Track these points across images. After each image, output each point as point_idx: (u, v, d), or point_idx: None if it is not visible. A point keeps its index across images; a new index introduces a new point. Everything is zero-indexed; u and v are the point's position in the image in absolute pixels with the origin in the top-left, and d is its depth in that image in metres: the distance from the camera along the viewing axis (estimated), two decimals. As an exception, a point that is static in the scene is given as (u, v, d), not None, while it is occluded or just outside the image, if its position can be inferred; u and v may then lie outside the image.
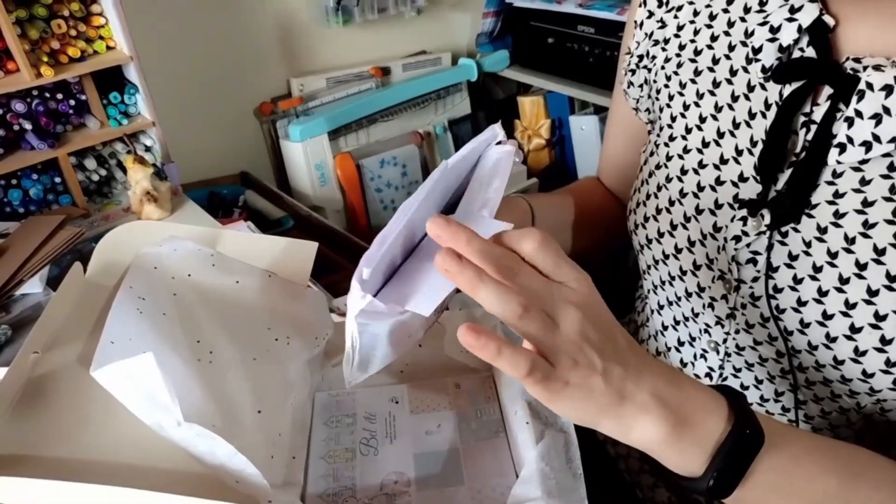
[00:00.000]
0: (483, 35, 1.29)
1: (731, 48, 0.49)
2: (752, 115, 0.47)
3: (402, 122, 1.21)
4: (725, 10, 0.50)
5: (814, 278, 0.43)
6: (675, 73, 0.53)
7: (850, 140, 0.40)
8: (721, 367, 0.53)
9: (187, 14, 0.99)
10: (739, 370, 0.52)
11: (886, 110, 0.39)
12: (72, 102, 0.80)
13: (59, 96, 0.79)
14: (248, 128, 1.13)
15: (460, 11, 1.30)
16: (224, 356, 0.45)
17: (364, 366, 0.41)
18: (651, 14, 0.57)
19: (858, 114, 0.40)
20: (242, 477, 0.38)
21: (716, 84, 0.50)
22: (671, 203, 0.53)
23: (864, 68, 0.40)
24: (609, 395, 0.35)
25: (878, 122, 0.39)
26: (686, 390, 0.37)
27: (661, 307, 0.58)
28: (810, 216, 0.43)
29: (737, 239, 0.47)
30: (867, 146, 0.40)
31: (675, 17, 0.54)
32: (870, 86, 0.39)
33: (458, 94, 1.28)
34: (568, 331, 0.35)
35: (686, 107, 0.52)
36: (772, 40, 0.45)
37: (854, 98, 0.40)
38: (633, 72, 0.59)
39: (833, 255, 0.42)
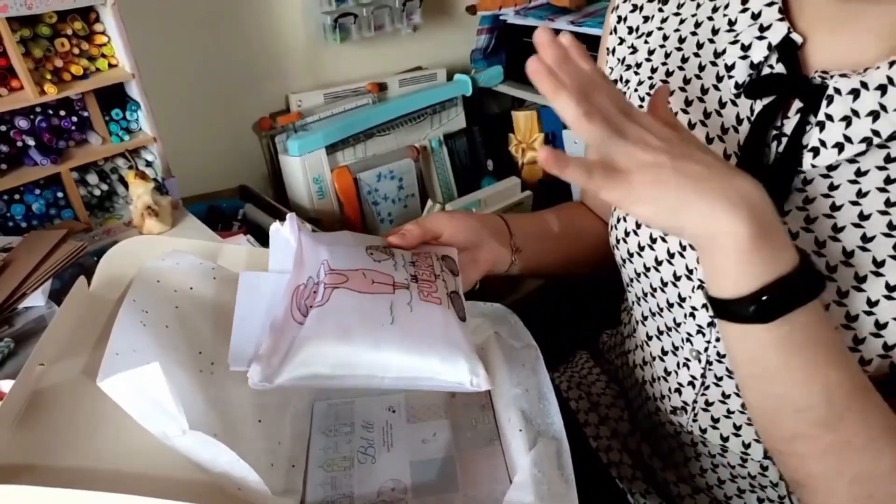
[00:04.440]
0: (477, 51, 1.31)
1: (702, 68, 0.51)
2: (724, 131, 0.49)
3: (398, 137, 1.23)
4: (694, 33, 0.52)
5: None
6: (649, 94, 0.55)
7: (823, 143, 0.42)
8: (703, 377, 0.54)
9: (188, 32, 1.00)
10: (721, 378, 0.53)
11: (855, 112, 0.41)
12: (74, 119, 0.81)
13: (62, 113, 0.81)
14: (247, 143, 1.14)
15: (455, 29, 1.32)
16: (225, 367, 0.46)
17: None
18: (622, 41, 0.59)
19: (829, 117, 0.42)
20: (244, 484, 0.39)
21: (688, 103, 0.52)
22: None
23: (832, 76, 0.43)
24: (681, 187, 0.37)
25: (849, 124, 0.41)
26: (775, 214, 0.39)
27: (645, 318, 0.60)
28: (783, 223, 0.45)
29: None
30: (839, 147, 0.42)
31: (646, 42, 0.56)
32: (837, 90, 0.42)
33: (454, 109, 1.30)
34: (631, 133, 0.39)
35: None
36: (743, 58, 0.47)
37: (824, 103, 0.42)
38: None
39: None
